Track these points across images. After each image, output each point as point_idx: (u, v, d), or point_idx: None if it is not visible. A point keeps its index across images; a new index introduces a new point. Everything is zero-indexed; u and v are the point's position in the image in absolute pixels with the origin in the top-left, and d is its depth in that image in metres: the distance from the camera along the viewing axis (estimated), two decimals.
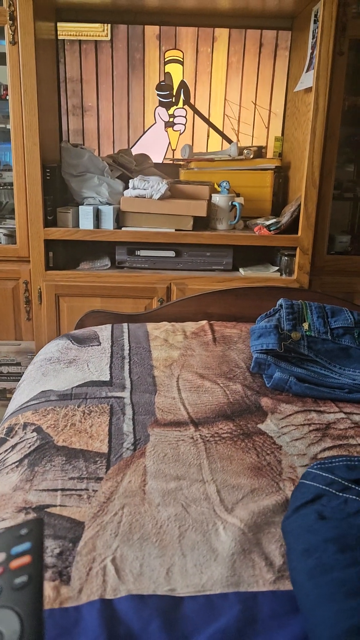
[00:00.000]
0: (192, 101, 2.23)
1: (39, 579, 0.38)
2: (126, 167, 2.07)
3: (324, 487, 0.71)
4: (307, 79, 1.92)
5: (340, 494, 0.70)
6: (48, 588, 0.67)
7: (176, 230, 1.94)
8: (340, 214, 2.27)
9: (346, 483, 0.71)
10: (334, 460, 0.76)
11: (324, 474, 0.73)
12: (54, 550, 0.73)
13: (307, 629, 0.56)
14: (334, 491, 0.70)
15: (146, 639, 0.60)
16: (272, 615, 0.62)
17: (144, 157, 2.19)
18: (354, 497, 0.69)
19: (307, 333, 1.37)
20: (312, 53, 1.90)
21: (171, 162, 2.25)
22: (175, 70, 2.21)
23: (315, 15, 1.84)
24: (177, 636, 0.60)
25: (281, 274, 1.98)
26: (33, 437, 1.00)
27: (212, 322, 1.49)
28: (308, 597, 0.58)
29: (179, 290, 1.96)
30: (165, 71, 2.20)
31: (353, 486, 0.70)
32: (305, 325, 1.39)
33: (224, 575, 0.68)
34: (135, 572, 0.69)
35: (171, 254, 1.99)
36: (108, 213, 1.94)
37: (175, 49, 2.17)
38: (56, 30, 2.05)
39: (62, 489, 0.85)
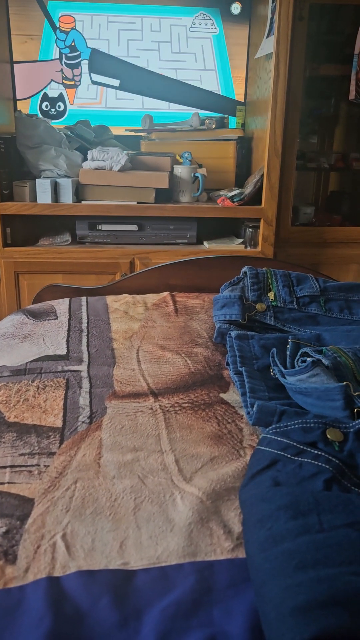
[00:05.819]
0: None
1: None
2: (84, 138, 1.99)
3: (279, 452, 0.68)
4: (268, 45, 1.87)
5: (296, 458, 0.67)
6: None
7: (138, 203, 1.88)
8: (305, 186, 2.24)
9: (301, 446, 0.68)
10: (289, 423, 0.72)
11: (279, 439, 0.70)
12: (0, 529, 0.68)
13: (258, 607, 0.53)
14: (289, 455, 0.67)
15: (95, 616, 0.56)
16: (229, 584, 0.59)
17: (103, 129, 2.11)
18: (309, 460, 0.66)
19: (272, 303, 1.33)
20: (272, 18, 1.84)
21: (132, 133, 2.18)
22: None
23: None
24: (129, 611, 0.56)
25: (246, 246, 1.94)
26: None
27: (174, 293, 1.44)
28: (258, 572, 0.55)
29: (142, 264, 1.91)
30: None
31: (308, 449, 0.67)
32: (271, 295, 1.36)
33: (180, 546, 0.65)
34: (87, 548, 0.65)
35: (134, 227, 1.93)
36: (67, 186, 1.87)
37: None
38: None
39: (12, 466, 0.80)
